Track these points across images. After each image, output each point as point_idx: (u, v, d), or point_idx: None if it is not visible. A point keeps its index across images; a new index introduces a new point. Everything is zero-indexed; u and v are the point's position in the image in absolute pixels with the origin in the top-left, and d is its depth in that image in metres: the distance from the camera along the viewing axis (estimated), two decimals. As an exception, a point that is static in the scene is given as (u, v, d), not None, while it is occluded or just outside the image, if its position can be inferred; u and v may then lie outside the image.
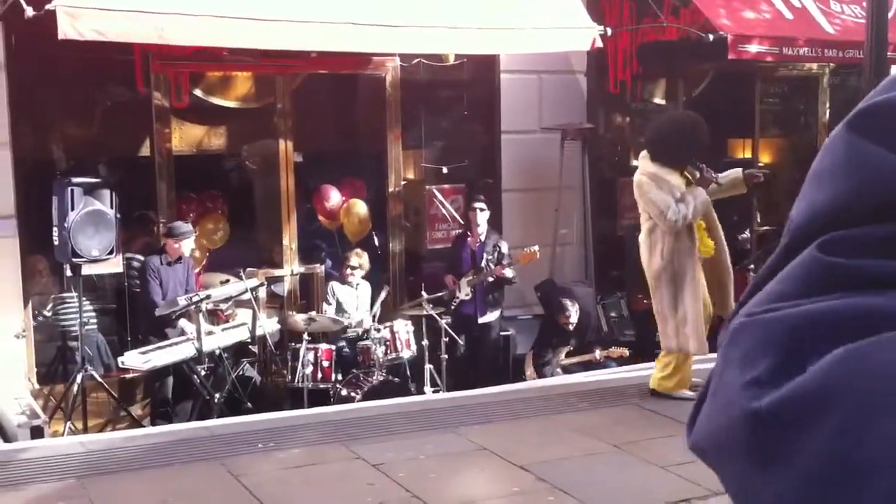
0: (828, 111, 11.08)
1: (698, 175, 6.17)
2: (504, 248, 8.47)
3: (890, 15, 5.99)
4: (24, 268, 7.43)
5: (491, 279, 8.33)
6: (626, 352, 8.35)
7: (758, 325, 0.70)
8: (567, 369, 8.22)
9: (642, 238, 6.34)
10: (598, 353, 8.25)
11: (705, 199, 6.14)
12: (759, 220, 10.70)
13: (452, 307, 8.30)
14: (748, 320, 0.71)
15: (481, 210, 8.43)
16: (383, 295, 8.34)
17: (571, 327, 8.39)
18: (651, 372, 6.98)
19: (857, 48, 8.30)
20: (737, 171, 6.49)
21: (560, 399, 6.28)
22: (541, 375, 8.17)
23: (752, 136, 10.74)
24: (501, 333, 8.66)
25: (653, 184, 6.12)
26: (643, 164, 6.24)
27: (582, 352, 8.28)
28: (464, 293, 8.33)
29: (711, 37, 8.24)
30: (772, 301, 0.70)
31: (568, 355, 8.29)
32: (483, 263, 8.32)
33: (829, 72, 10.97)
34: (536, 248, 8.29)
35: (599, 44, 7.95)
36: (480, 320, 8.43)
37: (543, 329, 8.65)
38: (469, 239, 8.49)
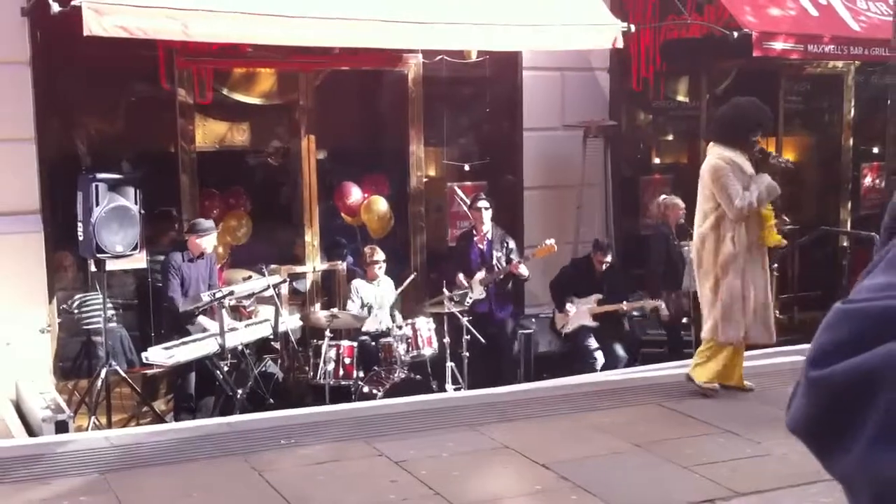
0: (853, 109, 10.98)
1: (769, 160, 6.12)
2: (512, 244, 8.48)
3: (917, 12, 5.93)
4: (50, 263, 7.49)
5: (502, 276, 8.34)
6: (660, 304, 8.34)
7: (850, 313, 0.73)
8: (596, 318, 8.35)
9: (707, 229, 6.11)
10: (625, 305, 8.30)
11: (771, 183, 6.00)
12: (784, 218, 10.61)
13: (466, 306, 8.30)
14: (844, 308, 0.74)
15: (486, 209, 8.42)
16: (409, 280, 8.35)
17: (604, 267, 8.44)
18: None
19: (883, 46, 8.25)
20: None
21: (583, 397, 6.25)
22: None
23: (776, 134, 10.65)
24: (522, 332, 8.65)
25: (729, 169, 5.95)
26: (715, 151, 6.08)
27: (611, 302, 8.34)
28: (477, 292, 8.34)
29: (736, 34, 8.19)
30: (871, 291, 0.73)
31: (599, 304, 8.37)
32: (494, 262, 8.32)
33: (855, 69, 10.87)
34: (552, 241, 8.27)
35: (620, 43, 7.89)
36: (497, 317, 8.44)
37: (567, 277, 8.63)
38: (475, 238, 8.48)
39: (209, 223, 7.67)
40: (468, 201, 8.89)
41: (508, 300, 8.61)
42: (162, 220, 8.30)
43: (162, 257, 7.80)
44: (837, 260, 9.32)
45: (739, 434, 5.52)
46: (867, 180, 11.14)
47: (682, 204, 8.50)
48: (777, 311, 10.30)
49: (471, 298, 8.32)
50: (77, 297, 7.82)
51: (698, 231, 6.20)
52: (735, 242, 5.99)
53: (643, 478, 4.94)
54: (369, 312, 8.14)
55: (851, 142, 11.05)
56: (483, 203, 8.47)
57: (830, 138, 11.27)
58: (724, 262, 6.04)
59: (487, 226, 8.45)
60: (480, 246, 8.47)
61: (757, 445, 5.32)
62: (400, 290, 8.31)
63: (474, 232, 8.55)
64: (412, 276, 8.44)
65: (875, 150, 11.23)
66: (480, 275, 8.37)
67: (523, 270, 8.38)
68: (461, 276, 8.39)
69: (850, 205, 11.01)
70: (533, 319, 8.86)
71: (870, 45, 8.73)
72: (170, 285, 7.43)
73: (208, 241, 7.57)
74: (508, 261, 8.36)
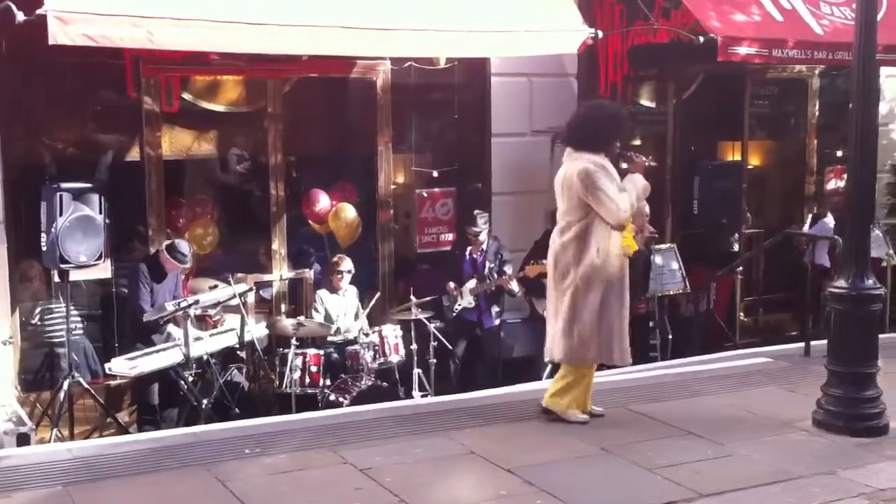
0: (817, 113, 11.10)
1: (633, 160, 5.82)
2: (506, 255, 8.42)
3: (879, 16, 5.97)
4: (13, 274, 7.42)
5: (493, 288, 8.29)
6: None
7: None
8: None
9: (569, 239, 5.62)
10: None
11: (644, 184, 5.72)
12: (749, 222, 10.70)
13: (454, 314, 8.27)
14: None
15: (484, 224, 8.33)
16: (373, 301, 8.33)
17: None
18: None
19: (846, 50, 8.29)
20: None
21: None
22: None
23: (742, 138, 10.75)
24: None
25: (602, 172, 5.51)
26: (583, 157, 5.58)
27: None
28: (466, 301, 8.32)
29: (702, 39, 8.24)
30: None
31: None
32: (486, 272, 8.27)
33: (819, 73, 10.99)
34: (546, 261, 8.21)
35: (590, 42, 7.93)
36: (485, 324, 8.39)
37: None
38: (470, 248, 8.44)
39: (189, 254, 7.53)
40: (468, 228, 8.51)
41: (500, 314, 8.54)
42: (128, 230, 8.23)
43: (129, 265, 7.74)
44: (801, 263, 9.39)
45: (702, 436, 5.56)
46: (831, 183, 11.24)
47: (646, 209, 8.50)
48: (742, 314, 10.42)
49: (459, 306, 8.31)
50: (39, 307, 7.75)
51: (560, 241, 5.70)
52: (599, 253, 5.54)
53: (609, 481, 4.97)
54: (326, 320, 8.11)
55: (816, 145, 11.17)
56: (478, 228, 8.29)
57: (795, 142, 11.37)
58: (585, 274, 5.58)
59: (483, 237, 8.38)
60: (475, 255, 8.43)
61: (720, 447, 5.36)
62: (366, 311, 8.29)
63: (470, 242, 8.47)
64: (377, 297, 8.40)
65: (839, 153, 11.33)
66: (471, 284, 8.34)
67: (514, 286, 8.28)
68: (451, 284, 8.34)
69: (814, 208, 11.11)
70: (502, 332, 8.77)
71: (833, 49, 8.79)
72: (139, 294, 7.40)
73: (181, 266, 7.55)
74: (500, 272, 8.29)
